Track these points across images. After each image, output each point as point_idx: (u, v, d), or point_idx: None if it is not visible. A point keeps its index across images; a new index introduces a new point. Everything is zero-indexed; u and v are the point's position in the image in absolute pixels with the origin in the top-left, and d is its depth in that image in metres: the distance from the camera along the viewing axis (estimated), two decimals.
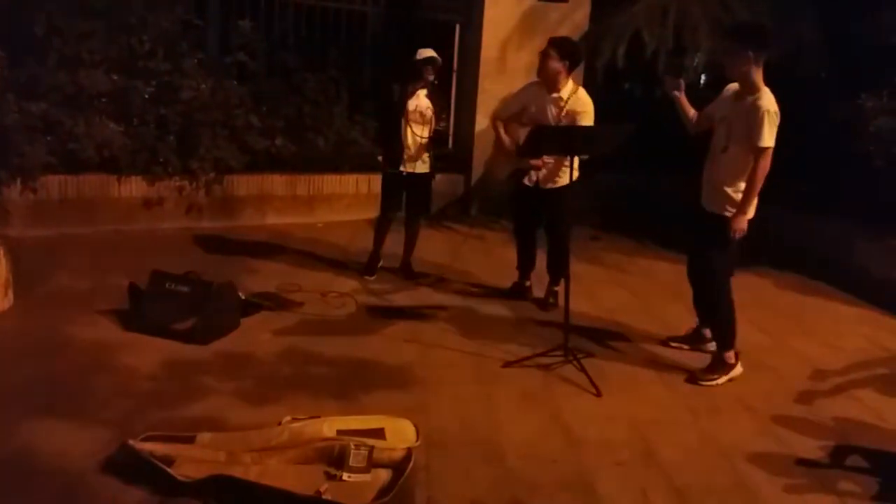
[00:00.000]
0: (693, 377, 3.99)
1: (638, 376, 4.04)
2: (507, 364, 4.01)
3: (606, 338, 4.57)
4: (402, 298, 5.06)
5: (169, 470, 2.64)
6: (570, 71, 4.70)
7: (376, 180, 5.93)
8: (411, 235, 5.51)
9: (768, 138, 3.71)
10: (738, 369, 4.01)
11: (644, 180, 8.09)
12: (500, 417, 3.43)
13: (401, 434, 3.04)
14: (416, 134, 5.15)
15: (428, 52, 5.07)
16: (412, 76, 5.10)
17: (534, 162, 4.74)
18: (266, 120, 6.96)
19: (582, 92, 4.74)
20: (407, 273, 5.49)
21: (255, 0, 7.14)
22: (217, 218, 6.65)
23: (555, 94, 4.69)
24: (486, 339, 4.38)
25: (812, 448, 3.30)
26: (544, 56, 4.68)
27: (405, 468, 2.74)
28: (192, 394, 3.43)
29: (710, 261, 4.07)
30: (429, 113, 5.21)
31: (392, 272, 5.51)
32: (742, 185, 3.86)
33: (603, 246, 7.04)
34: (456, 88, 8.19)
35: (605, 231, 7.47)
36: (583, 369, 3.88)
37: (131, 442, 2.78)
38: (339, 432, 3.00)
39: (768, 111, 3.69)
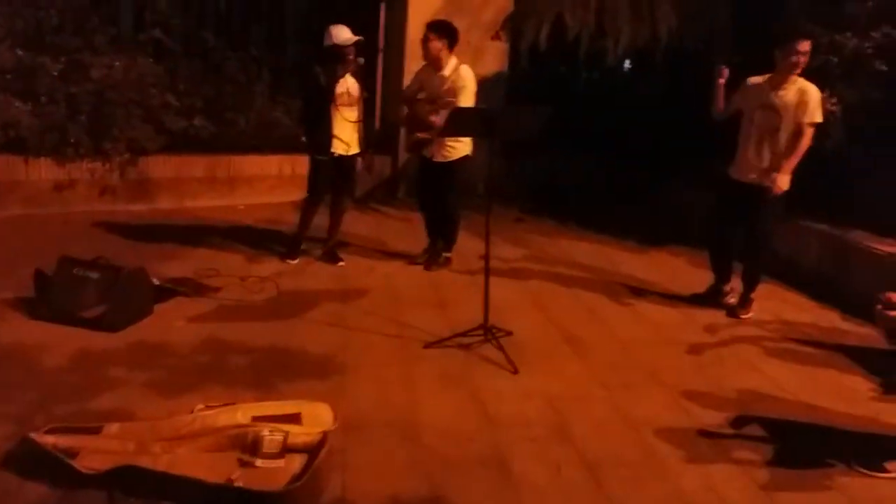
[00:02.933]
0: (733, 313, 4.87)
1: (554, 353, 4.13)
2: (429, 345, 4.05)
3: (526, 316, 4.66)
4: (324, 282, 5.03)
5: (71, 462, 2.56)
6: (450, 48, 5.09)
7: (300, 161, 5.86)
8: (336, 218, 5.47)
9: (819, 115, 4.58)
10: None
11: (568, 161, 8.23)
12: (419, 398, 3.47)
13: (317, 418, 3.04)
14: (346, 117, 5.11)
15: (344, 34, 5.00)
16: (335, 59, 5.02)
17: (420, 134, 5.14)
18: (184, 99, 6.78)
19: (464, 68, 5.11)
20: (331, 256, 5.45)
21: None
22: (132, 201, 6.46)
23: (440, 73, 5.09)
24: (409, 320, 4.40)
25: (716, 419, 3.45)
26: (425, 40, 5.07)
27: (319, 452, 2.74)
28: (101, 385, 3.34)
29: (765, 225, 4.77)
30: (356, 94, 5.18)
31: (316, 256, 5.46)
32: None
33: (527, 227, 7.14)
34: (382, 68, 8.13)
35: (530, 213, 7.58)
36: (501, 348, 3.95)
37: (32, 435, 2.68)
38: (254, 419, 2.97)
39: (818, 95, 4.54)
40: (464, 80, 5.03)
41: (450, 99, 4.99)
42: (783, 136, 4.59)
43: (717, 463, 3.07)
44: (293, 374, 3.60)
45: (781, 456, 3.15)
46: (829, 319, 4.97)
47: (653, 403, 3.57)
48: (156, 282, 4.38)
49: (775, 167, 4.60)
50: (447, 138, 5.09)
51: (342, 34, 5.00)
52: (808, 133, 4.53)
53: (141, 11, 6.80)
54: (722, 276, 5.12)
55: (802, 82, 4.56)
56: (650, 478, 2.93)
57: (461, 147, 5.21)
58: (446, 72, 5.07)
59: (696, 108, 7.25)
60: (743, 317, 4.86)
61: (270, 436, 2.80)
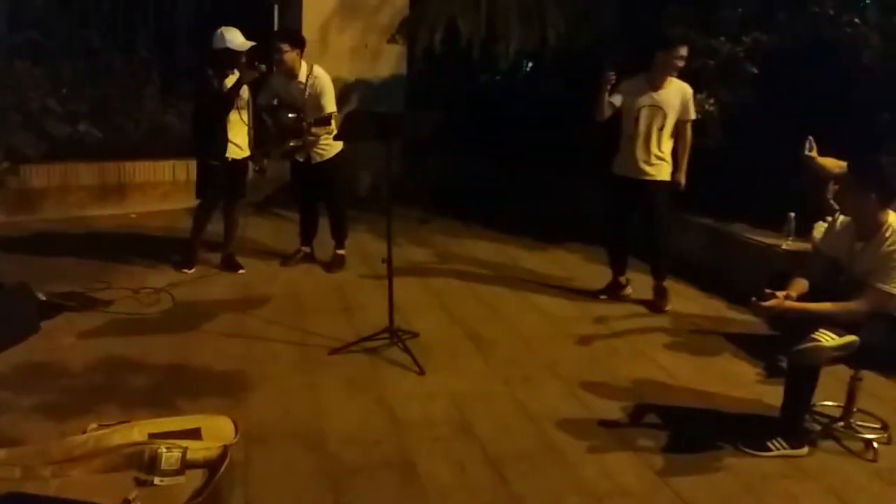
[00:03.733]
0: (657, 308, 5.08)
1: (459, 352, 4.20)
2: (334, 351, 4.02)
3: (431, 316, 4.71)
4: (223, 291, 4.91)
5: None
6: (301, 55, 5.18)
7: (194, 166, 5.66)
8: (231, 223, 5.36)
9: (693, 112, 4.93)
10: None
11: (468, 163, 8.36)
12: (325, 405, 3.44)
13: (218, 432, 2.93)
14: (238, 121, 5.05)
15: (238, 38, 4.91)
16: (227, 63, 4.92)
17: (293, 143, 5.20)
18: (67, 104, 6.44)
19: (318, 70, 5.22)
20: (228, 264, 5.32)
21: None
22: (13, 212, 6.10)
23: (295, 80, 5.17)
24: (313, 327, 4.37)
25: (613, 409, 3.59)
26: (279, 52, 5.08)
27: (220, 467, 2.68)
28: None
29: (662, 216, 5.02)
30: (246, 96, 5.13)
31: (213, 264, 5.32)
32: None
33: (431, 228, 7.20)
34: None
35: (434, 214, 7.64)
36: (406, 350, 3.98)
37: None
38: (151, 436, 2.83)
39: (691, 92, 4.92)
40: (322, 81, 5.16)
41: (315, 104, 5.12)
42: (666, 133, 4.88)
43: (614, 451, 3.21)
44: (193, 389, 3.49)
45: (675, 442, 3.32)
46: (715, 308, 5.26)
47: (552, 396, 3.69)
48: (41, 297, 4.16)
49: (660, 163, 4.89)
50: (319, 140, 5.21)
51: (235, 38, 4.91)
52: (689, 128, 4.90)
53: (16, 12, 6.41)
54: (618, 269, 5.35)
55: (678, 82, 4.89)
56: (550, 469, 3.03)
57: (334, 145, 5.29)
58: (301, 77, 5.15)
59: (587, 108, 7.55)
60: (666, 309, 5.09)
61: (168, 452, 2.68)
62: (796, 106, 4.84)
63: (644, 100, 4.90)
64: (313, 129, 5.11)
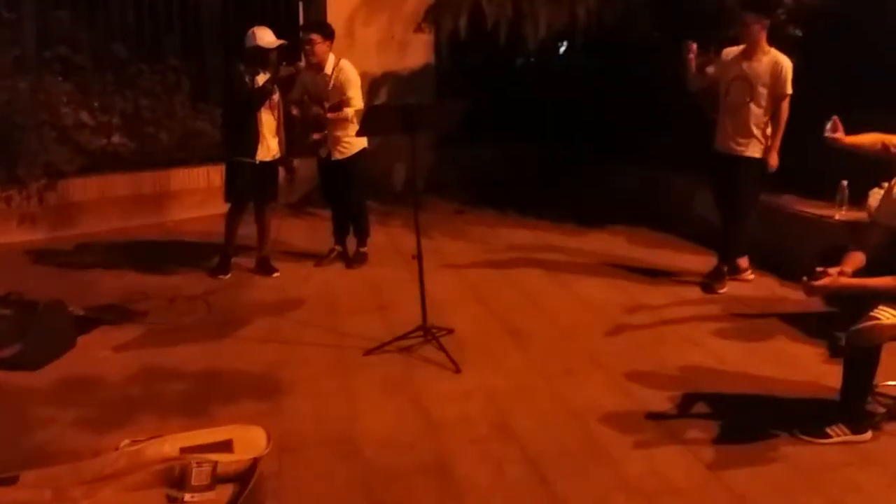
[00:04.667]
0: (710, 289, 4.88)
1: (496, 347, 4.08)
2: (368, 352, 3.94)
3: (467, 311, 4.59)
4: (258, 295, 4.89)
5: None
6: (330, 47, 5.16)
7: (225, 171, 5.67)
8: (264, 227, 5.32)
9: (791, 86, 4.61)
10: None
11: (504, 149, 8.20)
12: (360, 409, 3.36)
13: (250, 443, 2.90)
14: (268, 121, 5.03)
15: (268, 36, 4.91)
16: (259, 62, 4.91)
17: (315, 136, 5.20)
18: (99, 117, 6.50)
19: (344, 62, 5.18)
20: (264, 267, 5.29)
21: None
22: (54, 227, 6.18)
23: (322, 73, 5.14)
24: (347, 328, 4.30)
25: (661, 399, 3.43)
26: (310, 43, 5.09)
27: (251, 480, 2.62)
28: (26, 427, 3.16)
29: (743, 196, 4.83)
30: (276, 97, 5.08)
31: (248, 268, 5.30)
32: (768, 130, 4.71)
33: (467, 219, 7.08)
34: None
35: (470, 204, 7.52)
36: (441, 347, 3.88)
37: None
38: (183, 450, 2.83)
39: (788, 65, 4.59)
40: (347, 74, 5.12)
41: (337, 97, 5.09)
42: (758, 107, 4.66)
43: (662, 445, 3.05)
44: (228, 397, 3.45)
45: (727, 432, 3.14)
46: (767, 287, 5.02)
47: (595, 389, 3.54)
48: (77, 312, 4.17)
49: (751, 138, 4.69)
50: (342, 136, 5.17)
51: (266, 36, 4.92)
52: (785, 104, 4.61)
53: (45, 28, 6.48)
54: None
55: (775, 53, 4.63)
56: (595, 467, 2.89)
57: (356, 142, 5.22)
58: (328, 70, 5.12)
59: (624, 85, 7.32)
60: (720, 291, 4.88)
61: (199, 467, 2.66)
62: (844, 69, 4.55)
63: (734, 71, 4.73)
64: (328, 115, 5.09)
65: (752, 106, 4.66)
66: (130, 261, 5.49)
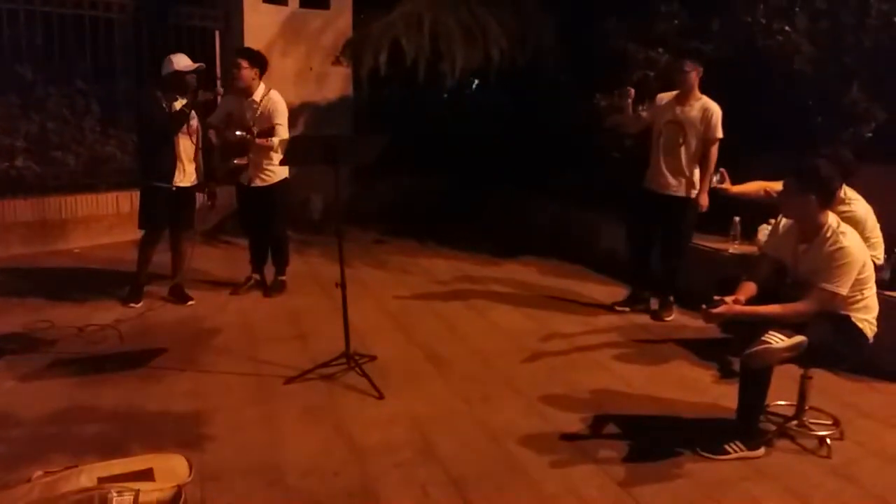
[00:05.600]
0: (658, 317, 5.18)
1: (418, 373, 4.16)
2: (290, 380, 3.94)
3: (389, 339, 4.67)
4: (172, 324, 4.79)
5: None
6: (261, 76, 5.20)
7: (138, 196, 5.56)
8: (179, 254, 5.24)
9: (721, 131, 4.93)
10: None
11: (420, 182, 8.38)
12: (282, 437, 3.36)
13: (171, 472, 2.86)
14: (186, 147, 5.00)
15: (185, 60, 4.89)
16: (176, 87, 4.87)
17: (237, 161, 5.17)
18: (2, 140, 6.24)
19: (274, 93, 5.22)
20: (178, 295, 5.20)
21: None
22: None
23: (249, 99, 5.16)
24: (267, 357, 4.27)
25: (574, 421, 3.60)
26: (237, 67, 5.12)
27: None
28: None
29: (682, 234, 5.12)
30: (194, 123, 5.05)
31: (161, 297, 5.19)
32: (697, 171, 5.00)
33: (386, 248, 7.18)
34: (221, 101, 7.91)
35: (388, 234, 7.62)
36: (364, 374, 3.93)
37: None
38: (101, 480, 2.75)
39: (718, 112, 4.91)
40: (276, 104, 5.16)
41: (265, 125, 5.11)
42: (689, 150, 4.96)
43: (577, 465, 3.20)
44: (144, 430, 3.37)
45: (636, 451, 3.33)
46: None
47: (512, 412, 3.68)
48: None
49: (683, 179, 4.99)
50: (265, 163, 5.19)
51: (182, 61, 4.92)
52: (714, 148, 4.92)
53: None
54: (641, 283, 5.40)
55: (705, 100, 4.95)
56: (514, 487, 3.00)
57: (279, 171, 5.26)
58: (256, 97, 5.15)
59: (534, 123, 7.67)
60: (667, 319, 5.17)
61: (119, 497, 2.60)
62: (735, 112, 4.96)
63: (668, 115, 5.01)
64: (257, 141, 5.07)
65: (684, 149, 4.96)
66: (35, 288, 5.27)
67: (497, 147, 8.17)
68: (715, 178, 4.50)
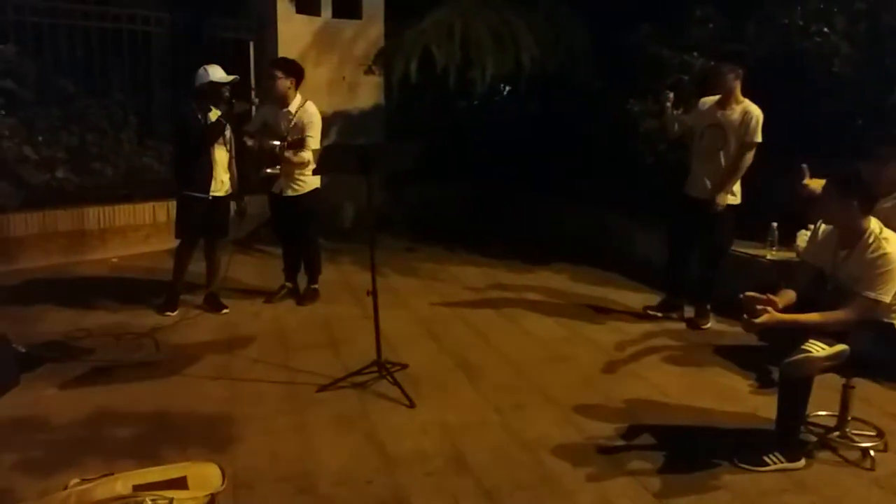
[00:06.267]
0: (694, 324, 5.10)
1: (449, 382, 4.14)
2: (322, 388, 3.95)
3: (420, 347, 4.65)
4: (207, 332, 4.84)
5: None
6: (297, 87, 5.21)
7: (175, 206, 5.64)
8: (214, 263, 5.30)
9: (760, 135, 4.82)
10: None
11: (451, 189, 8.38)
12: (314, 446, 3.37)
13: (205, 480, 2.88)
14: (221, 157, 5.06)
15: (219, 72, 4.96)
16: (211, 97, 4.95)
17: (269, 170, 5.17)
18: (44, 151, 6.40)
19: (310, 104, 5.23)
20: (213, 304, 5.26)
21: (20, 23, 6.50)
22: None
23: (285, 110, 5.17)
24: (299, 365, 4.30)
25: (608, 432, 3.54)
26: (273, 78, 5.16)
27: None
28: None
29: (721, 241, 5.04)
30: (228, 133, 5.10)
31: (196, 305, 5.25)
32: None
33: (417, 256, 7.18)
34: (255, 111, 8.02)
35: (419, 242, 7.62)
36: (396, 383, 3.92)
37: None
38: (136, 488, 2.79)
39: (759, 115, 4.80)
40: (310, 115, 5.17)
41: (297, 136, 5.12)
42: (726, 154, 4.88)
43: (611, 476, 3.15)
44: (178, 437, 3.41)
45: (671, 462, 3.27)
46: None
47: (545, 422, 3.63)
48: (20, 349, 4.08)
49: (718, 183, 4.90)
50: (297, 173, 5.20)
51: (217, 72, 4.98)
52: (750, 152, 4.82)
53: None
54: (677, 289, 5.32)
55: (747, 103, 4.86)
56: (548, 499, 2.97)
57: (311, 181, 5.28)
58: (292, 108, 5.17)
59: (566, 129, 7.63)
60: (703, 327, 5.08)
61: None
62: (772, 116, 4.87)
63: (709, 119, 4.96)
64: (286, 154, 5.10)
65: (723, 153, 4.88)
66: (74, 297, 5.37)
67: (528, 153, 8.13)
68: (805, 175, 4.26)
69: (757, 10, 5.94)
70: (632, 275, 6.35)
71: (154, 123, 7.16)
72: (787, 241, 5.15)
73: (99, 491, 2.78)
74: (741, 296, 3.19)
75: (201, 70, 4.97)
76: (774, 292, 3.30)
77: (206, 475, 2.93)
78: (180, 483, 2.84)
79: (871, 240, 3.14)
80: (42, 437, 3.38)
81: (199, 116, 4.96)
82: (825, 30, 5.44)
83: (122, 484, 2.82)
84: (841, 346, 3.01)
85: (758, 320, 3.12)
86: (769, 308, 3.12)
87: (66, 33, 6.76)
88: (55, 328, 4.68)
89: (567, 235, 7.47)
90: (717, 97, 4.98)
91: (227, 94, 5.00)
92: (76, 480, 2.90)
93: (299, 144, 5.12)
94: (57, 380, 3.97)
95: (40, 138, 6.38)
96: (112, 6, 7.01)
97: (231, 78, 5.01)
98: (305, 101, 5.22)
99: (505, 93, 9.18)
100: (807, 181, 4.19)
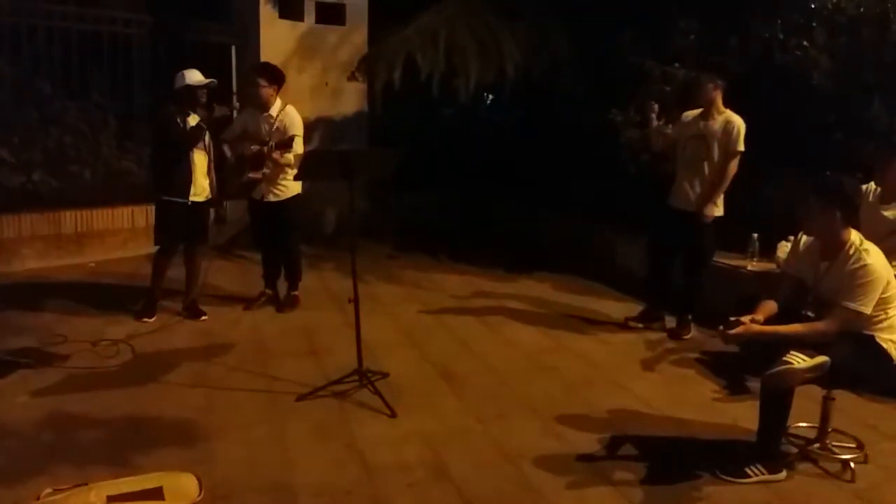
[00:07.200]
0: (676, 335, 5.07)
1: (431, 391, 4.11)
2: (301, 397, 3.90)
3: (401, 355, 4.62)
4: (185, 339, 4.77)
5: None
6: (278, 91, 5.22)
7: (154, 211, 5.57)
8: (193, 269, 5.23)
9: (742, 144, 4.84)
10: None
11: (434, 196, 8.35)
12: (293, 456, 3.32)
13: (181, 490, 2.83)
14: (199, 161, 5.00)
15: (194, 76, 4.90)
16: (188, 101, 4.89)
17: (252, 175, 5.15)
18: (20, 154, 6.29)
19: (290, 108, 5.24)
20: (192, 311, 5.18)
21: None
22: None
23: (265, 114, 5.18)
24: (279, 373, 4.24)
25: (590, 442, 3.52)
26: (256, 86, 5.15)
27: None
28: None
29: (704, 252, 5.03)
30: (208, 138, 5.07)
31: (175, 312, 5.18)
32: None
33: (399, 264, 7.14)
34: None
35: (402, 249, 7.59)
36: (377, 392, 3.88)
37: None
38: (110, 498, 2.73)
39: (741, 124, 4.83)
40: (292, 118, 5.17)
41: (280, 138, 5.10)
42: (710, 165, 4.88)
43: (593, 486, 3.13)
44: (153, 445, 3.34)
45: (653, 473, 3.26)
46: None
47: (527, 432, 3.61)
48: None
49: (704, 194, 4.90)
50: (279, 178, 5.19)
51: (194, 76, 4.93)
52: (734, 161, 4.83)
53: None
54: (658, 300, 5.31)
55: (729, 114, 4.89)
56: None
57: (292, 186, 5.25)
58: (273, 111, 5.16)
59: (549, 137, 7.64)
60: (685, 337, 5.07)
61: None
62: (753, 128, 4.90)
63: (692, 130, 4.97)
64: (274, 155, 5.07)
65: (707, 164, 4.89)
66: (50, 302, 5.28)
67: (511, 162, 8.14)
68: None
69: (739, 24, 6.00)
70: (614, 284, 6.36)
71: (133, 127, 7.07)
72: (768, 252, 5.19)
73: (72, 501, 2.71)
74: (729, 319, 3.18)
75: (179, 74, 4.94)
76: (755, 303, 3.31)
77: (183, 485, 2.88)
78: (156, 493, 2.79)
79: (851, 251, 3.15)
80: (12, 445, 3.30)
81: (179, 120, 4.91)
82: (805, 43, 5.50)
83: (95, 494, 2.76)
84: (822, 358, 3.02)
85: (733, 331, 3.13)
86: (743, 319, 3.13)
87: (45, 34, 6.66)
88: (29, 334, 4.59)
89: (550, 244, 7.47)
90: (699, 110, 5.00)
91: (203, 98, 4.94)
92: (48, 490, 2.83)
93: (287, 145, 5.08)
94: (30, 386, 3.88)
95: (16, 140, 6.28)
96: (92, 8, 6.92)
97: (208, 81, 4.96)
98: (286, 104, 5.21)
99: (488, 101, 9.20)
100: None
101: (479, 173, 8.31)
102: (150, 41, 7.29)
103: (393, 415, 3.73)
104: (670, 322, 5.25)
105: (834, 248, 3.21)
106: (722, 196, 4.94)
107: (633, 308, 5.57)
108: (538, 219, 7.79)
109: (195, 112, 4.94)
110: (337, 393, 3.94)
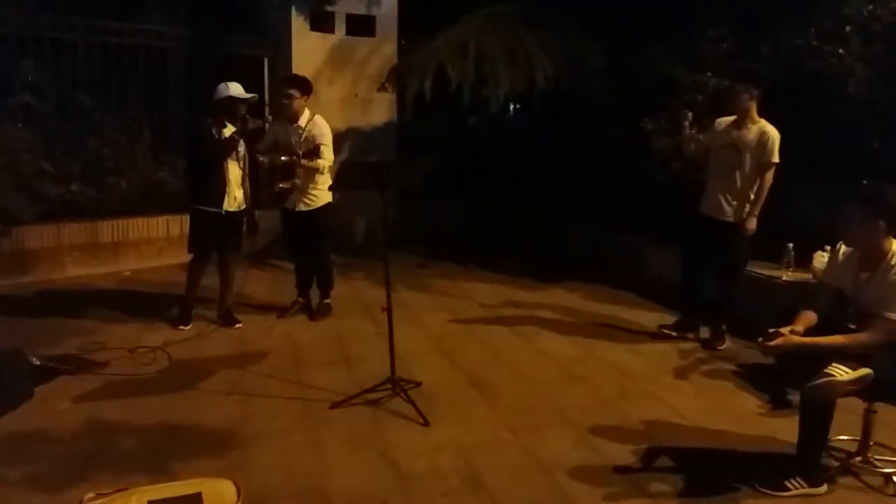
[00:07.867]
0: (710, 345, 5.03)
1: (463, 400, 4.11)
2: (335, 405, 3.93)
3: (433, 364, 4.63)
4: (220, 347, 4.83)
5: None
6: (306, 102, 5.32)
7: (188, 221, 5.65)
8: (227, 277, 5.29)
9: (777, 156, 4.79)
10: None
11: (463, 206, 8.38)
12: (328, 463, 3.34)
13: (220, 496, 2.86)
14: (235, 172, 5.07)
15: (237, 89, 4.99)
16: (227, 112, 4.98)
17: (282, 185, 5.23)
18: (60, 165, 6.45)
19: (318, 118, 5.32)
20: (226, 319, 5.25)
21: (40, 39, 6.56)
22: (7, 275, 6.03)
23: (295, 125, 5.25)
24: (312, 381, 4.28)
25: (625, 453, 3.50)
26: (288, 97, 5.23)
27: None
28: None
29: (736, 262, 4.99)
30: (242, 149, 5.12)
31: (210, 320, 5.25)
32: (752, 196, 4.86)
33: (429, 273, 7.16)
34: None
35: (431, 258, 7.61)
36: (409, 400, 3.89)
37: None
38: (151, 503, 2.77)
39: (775, 135, 4.79)
40: (321, 128, 5.24)
41: (309, 147, 5.18)
42: (741, 174, 4.84)
43: (630, 499, 3.11)
44: (190, 452, 3.38)
45: (690, 485, 3.22)
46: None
47: (562, 443, 3.59)
48: (35, 361, 4.08)
49: (737, 204, 4.86)
50: (310, 187, 5.27)
51: (236, 89, 5.02)
52: (769, 173, 4.79)
53: (7, 76, 6.44)
54: (691, 310, 5.26)
55: (763, 123, 4.84)
56: None
57: (323, 195, 5.31)
58: (302, 122, 5.24)
59: (579, 146, 7.63)
60: (719, 348, 5.02)
61: None
62: (786, 137, 4.85)
63: (725, 139, 4.94)
64: (302, 162, 5.15)
65: (739, 173, 4.84)
66: (87, 310, 5.38)
67: (540, 171, 8.13)
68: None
69: (770, 31, 5.94)
70: (645, 293, 6.32)
71: (169, 138, 7.20)
72: (803, 262, 5.12)
73: None
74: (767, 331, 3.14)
75: (221, 85, 5.01)
76: (793, 315, 3.27)
77: (222, 492, 2.90)
78: (195, 499, 2.82)
79: (893, 261, 3.11)
80: (55, 451, 3.36)
81: (214, 131, 4.98)
82: (840, 51, 5.43)
83: (136, 499, 2.79)
84: (865, 371, 2.97)
85: (773, 343, 3.09)
86: (782, 331, 3.09)
87: (85, 49, 6.82)
88: (69, 341, 4.67)
89: (580, 253, 7.45)
90: (732, 117, 4.96)
91: (243, 111, 5.02)
92: (91, 495, 2.88)
93: (314, 154, 5.16)
94: (71, 393, 3.96)
95: (58, 152, 6.43)
96: (129, 22, 7.07)
97: (249, 96, 5.05)
98: (314, 115, 5.30)
99: (512, 112, 9.20)
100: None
101: (508, 182, 8.33)
102: (185, 54, 7.43)
103: (426, 423, 3.74)
104: (704, 332, 5.20)
105: (875, 259, 3.16)
106: None
107: (664, 317, 5.53)
108: (566, 227, 7.78)
109: (232, 123, 5.01)
110: (370, 401, 3.96)
